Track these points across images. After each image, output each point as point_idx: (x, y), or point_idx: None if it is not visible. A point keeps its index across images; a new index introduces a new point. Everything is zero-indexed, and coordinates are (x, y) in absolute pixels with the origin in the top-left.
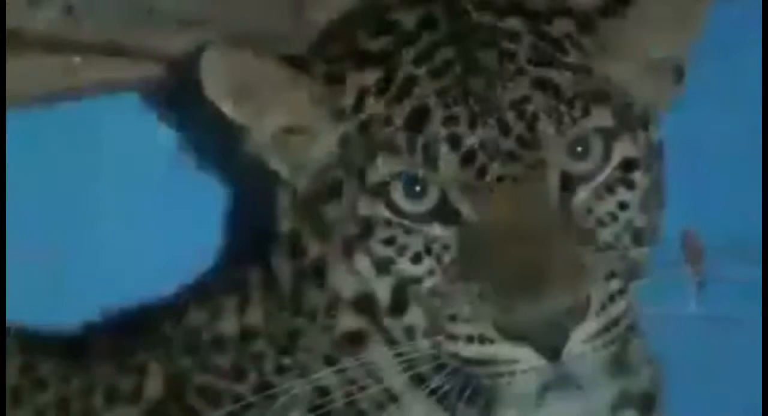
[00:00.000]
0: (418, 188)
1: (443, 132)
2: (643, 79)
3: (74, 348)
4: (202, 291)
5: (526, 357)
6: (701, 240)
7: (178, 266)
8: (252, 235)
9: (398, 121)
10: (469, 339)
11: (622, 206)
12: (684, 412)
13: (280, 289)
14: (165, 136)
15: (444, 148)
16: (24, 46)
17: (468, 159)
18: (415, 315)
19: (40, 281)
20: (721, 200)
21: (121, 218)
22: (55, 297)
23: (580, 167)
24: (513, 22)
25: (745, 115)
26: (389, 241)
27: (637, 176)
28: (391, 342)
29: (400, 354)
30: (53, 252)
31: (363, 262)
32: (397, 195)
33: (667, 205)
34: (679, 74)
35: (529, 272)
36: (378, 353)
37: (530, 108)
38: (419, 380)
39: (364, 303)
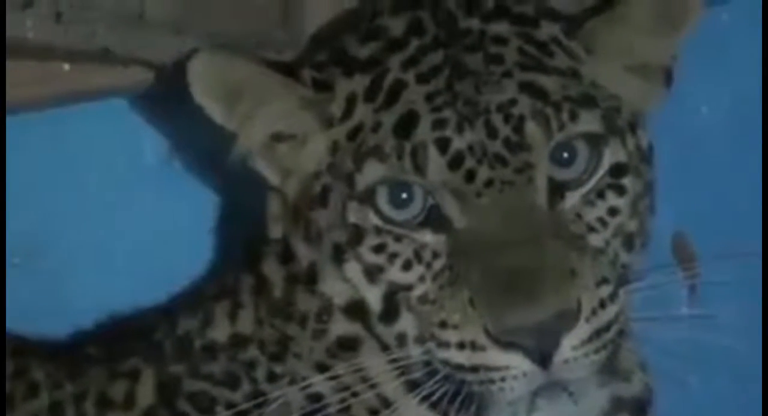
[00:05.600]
0: (404, 195)
1: (431, 136)
2: (631, 82)
3: (67, 354)
4: (193, 298)
5: (516, 363)
6: (692, 243)
7: (169, 273)
8: (243, 241)
9: (387, 127)
10: (460, 345)
11: (613, 212)
12: None
13: (271, 295)
14: (154, 142)
15: (432, 152)
16: (13, 53)
17: (456, 162)
18: (406, 322)
19: (27, 288)
20: (712, 203)
21: (110, 225)
22: (44, 305)
23: (565, 174)
24: (500, 27)
25: (738, 113)
26: (379, 248)
27: (627, 181)
28: (384, 348)
29: (393, 360)
30: (41, 259)
31: (353, 269)
32: (382, 201)
33: (658, 209)
34: (668, 76)
35: (519, 278)
36: (371, 359)
37: (516, 111)
38: (412, 386)
39: (356, 310)
